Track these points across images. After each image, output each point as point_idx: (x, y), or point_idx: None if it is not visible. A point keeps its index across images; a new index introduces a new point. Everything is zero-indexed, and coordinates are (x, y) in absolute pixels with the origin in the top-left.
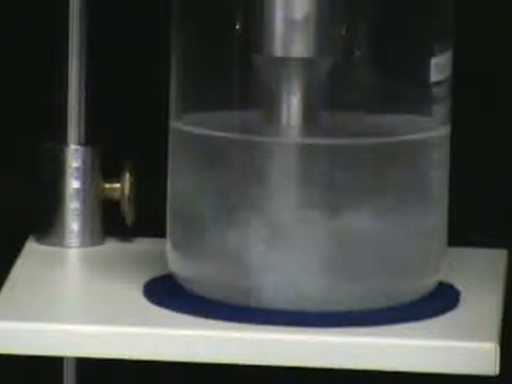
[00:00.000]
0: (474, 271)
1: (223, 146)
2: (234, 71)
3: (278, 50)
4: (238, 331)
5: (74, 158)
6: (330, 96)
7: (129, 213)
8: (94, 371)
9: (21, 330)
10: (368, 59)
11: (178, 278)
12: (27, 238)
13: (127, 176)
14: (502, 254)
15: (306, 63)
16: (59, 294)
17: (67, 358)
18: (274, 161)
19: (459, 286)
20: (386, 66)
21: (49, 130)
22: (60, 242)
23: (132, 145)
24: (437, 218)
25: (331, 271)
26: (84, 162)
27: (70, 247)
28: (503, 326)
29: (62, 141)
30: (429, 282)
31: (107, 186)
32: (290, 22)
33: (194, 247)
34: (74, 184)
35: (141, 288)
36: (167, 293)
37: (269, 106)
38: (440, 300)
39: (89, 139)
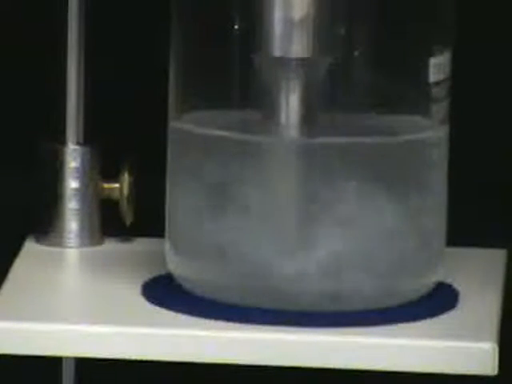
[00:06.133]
0: (473, 271)
1: (222, 146)
2: (234, 71)
3: (278, 50)
4: (238, 331)
5: (73, 157)
6: (329, 96)
7: (128, 213)
8: (93, 371)
9: (19, 330)
10: (367, 59)
11: (176, 278)
12: (26, 237)
13: (126, 176)
14: (502, 254)
15: (305, 63)
16: (58, 294)
17: (66, 357)
18: (273, 160)
19: (458, 286)
20: (384, 66)
21: (47, 130)
22: (59, 242)
23: (131, 144)
24: (436, 217)
25: (330, 271)
26: (83, 161)
27: (68, 247)
28: (502, 325)
29: (61, 141)
30: (428, 282)
31: (106, 185)
32: (289, 22)
33: (193, 247)
34: (72, 184)
35: (139, 288)
36: (166, 293)
37: (268, 105)
38: (439, 300)
39: (87, 139)
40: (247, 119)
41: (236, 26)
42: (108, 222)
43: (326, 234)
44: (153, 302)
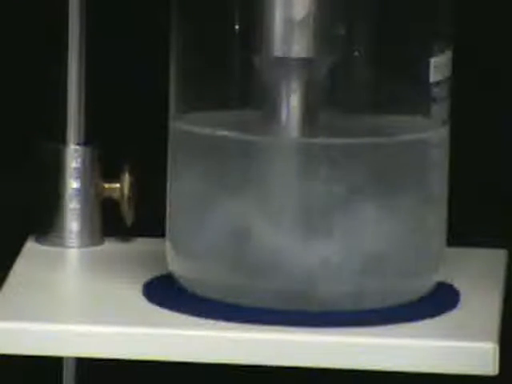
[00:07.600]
0: (473, 271)
1: (223, 146)
2: (234, 71)
3: (278, 50)
4: (238, 331)
5: (74, 158)
6: (330, 96)
7: (128, 213)
8: (93, 371)
9: (20, 330)
10: (367, 59)
11: (177, 278)
12: (27, 238)
13: (127, 176)
14: (502, 254)
15: (306, 63)
16: (59, 295)
17: (66, 357)
18: (274, 160)
19: (459, 286)
20: (385, 66)
21: (48, 130)
22: (59, 242)
23: (131, 145)
24: (436, 217)
25: (330, 271)
26: (83, 162)
27: (69, 247)
28: (502, 325)
29: (62, 141)
30: (428, 282)
31: (107, 186)
32: (289, 22)
33: (194, 247)
34: (73, 184)
35: (140, 288)
36: (167, 293)
37: (268, 105)
38: (440, 300)
39: (88, 139)
40: (247, 119)
41: (236, 26)
42: (108, 222)
43: (325, 235)
44: (153, 302)
